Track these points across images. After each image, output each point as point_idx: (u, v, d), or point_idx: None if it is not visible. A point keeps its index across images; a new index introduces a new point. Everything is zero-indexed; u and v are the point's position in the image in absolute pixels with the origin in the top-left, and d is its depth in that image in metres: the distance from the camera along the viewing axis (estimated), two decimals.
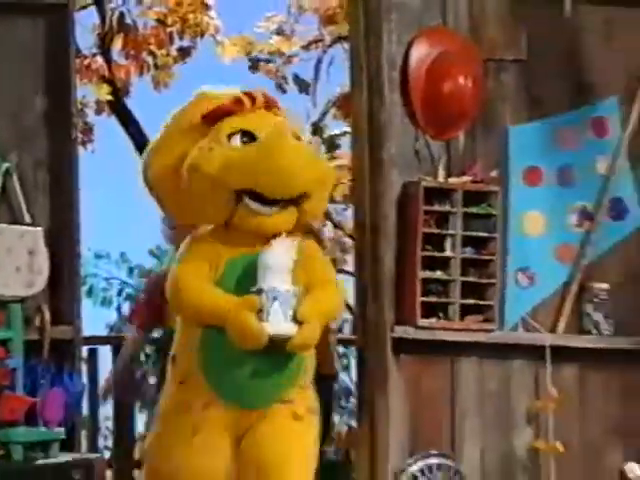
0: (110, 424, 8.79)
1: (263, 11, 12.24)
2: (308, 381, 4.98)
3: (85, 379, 7.35)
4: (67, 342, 6.51)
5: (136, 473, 7.88)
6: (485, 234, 7.10)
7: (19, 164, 6.59)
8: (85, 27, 11.00)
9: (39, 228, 6.53)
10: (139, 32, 11.65)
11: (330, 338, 6.59)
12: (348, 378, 11.06)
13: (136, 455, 8.06)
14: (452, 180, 7.06)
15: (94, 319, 11.85)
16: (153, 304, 6.70)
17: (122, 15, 11.56)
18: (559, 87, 7.32)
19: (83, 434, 7.13)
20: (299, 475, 4.91)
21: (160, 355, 7.88)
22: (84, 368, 7.49)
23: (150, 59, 11.66)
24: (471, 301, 7.03)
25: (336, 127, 11.76)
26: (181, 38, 11.74)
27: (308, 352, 4.90)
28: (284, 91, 12.19)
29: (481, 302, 7.06)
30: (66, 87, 6.72)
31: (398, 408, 6.86)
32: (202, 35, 11.73)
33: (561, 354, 7.11)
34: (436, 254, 6.97)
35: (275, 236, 4.93)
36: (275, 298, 4.68)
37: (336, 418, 9.70)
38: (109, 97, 11.47)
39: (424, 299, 6.88)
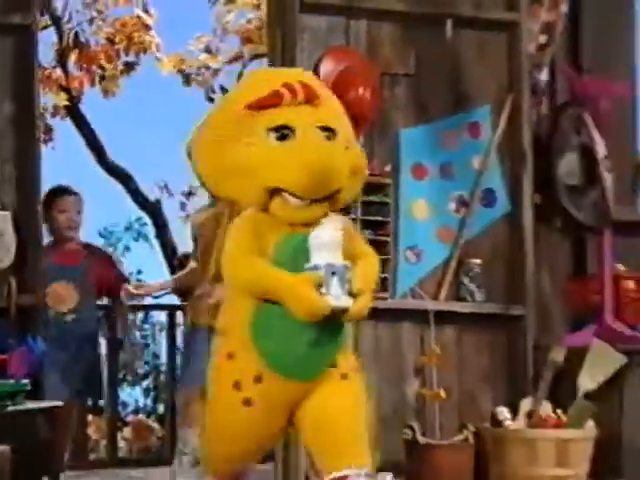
0: None
1: (193, 32, 12.23)
2: (349, 345, 4.58)
3: None
4: (31, 308, 6.46)
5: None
6: (381, 219, 7.13)
7: None
8: (46, 44, 11.03)
9: (7, 212, 6.57)
10: (91, 49, 11.66)
11: None
12: None
13: None
14: None
15: None
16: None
17: (77, 34, 11.58)
18: (442, 97, 7.34)
19: None
20: (357, 424, 4.44)
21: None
22: None
23: (100, 71, 11.63)
24: None
25: None
26: (127, 54, 11.74)
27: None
28: (212, 100, 12.20)
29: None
30: (30, 95, 6.67)
31: None
32: (144, 52, 11.72)
33: (442, 318, 7.15)
34: None
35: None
36: (333, 273, 4.26)
37: None
38: (66, 103, 11.46)
39: None
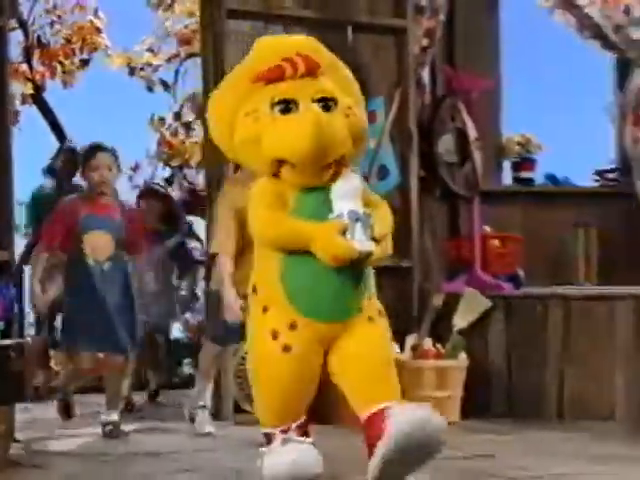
0: None
1: (139, 35, 12.16)
2: (373, 290, 4.26)
3: None
4: (4, 262, 6.34)
5: None
6: None
7: None
8: (14, 43, 10.87)
9: None
10: (51, 47, 11.55)
11: None
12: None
13: None
14: None
15: None
16: (59, 227, 5.87)
17: (39, 36, 11.46)
18: None
19: None
20: (386, 362, 4.21)
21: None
22: None
23: (59, 66, 11.52)
24: None
25: (191, 115, 11.68)
26: (81, 52, 11.65)
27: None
28: (151, 89, 12.11)
29: None
30: (2, 86, 6.53)
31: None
32: (96, 50, 11.65)
33: None
34: None
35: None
36: (357, 219, 4.01)
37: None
38: (31, 92, 11.34)
39: None
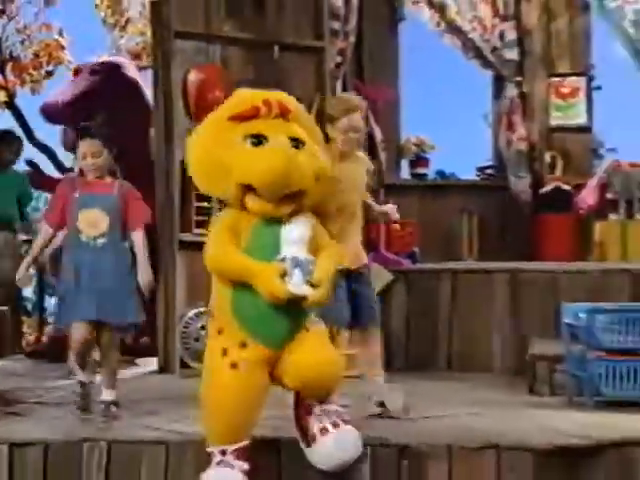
0: None
1: (96, 50, 11.98)
2: (313, 315, 4.06)
3: None
4: None
5: None
6: None
7: None
8: None
9: None
10: (22, 61, 11.38)
11: None
12: None
13: None
14: None
15: None
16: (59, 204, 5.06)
17: (12, 51, 11.26)
18: None
19: None
20: (325, 361, 4.02)
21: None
22: None
23: (29, 77, 11.34)
24: None
25: None
26: (48, 65, 11.49)
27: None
28: None
29: None
30: None
31: (180, 278, 6.71)
32: (60, 63, 11.51)
33: None
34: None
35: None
36: (296, 265, 3.80)
37: None
38: (5, 99, 11.15)
39: (197, 218, 6.69)
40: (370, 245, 7.42)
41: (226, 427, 3.93)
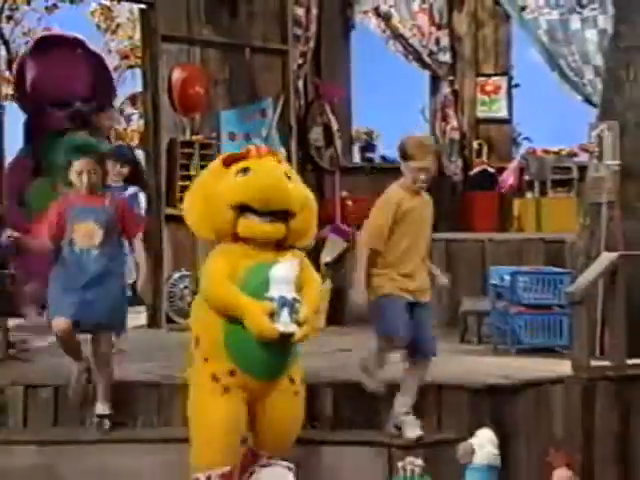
0: None
1: None
2: (298, 355, 3.79)
3: None
4: None
5: None
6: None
7: None
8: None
9: None
10: None
11: None
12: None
13: None
14: (194, 137, 6.85)
15: None
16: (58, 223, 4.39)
17: (17, 51, 10.95)
18: (244, 94, 7.17)
19: None
20: (290, 427, 3.76)
21: None
22: None
23: None
24: None
25: (130, 109, 11.38)
26: None
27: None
28: None
29: None
30: None
31: (166, 246, 6.65)
32: None
33: None
34: (185, 173, 6.71)
35: (279, 246, 3.65)
36: (284, 305, 3.50)
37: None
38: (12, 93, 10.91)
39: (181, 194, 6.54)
40: (328, 218, 7.44)
41: (216, 449, 3.61)
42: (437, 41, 8.42)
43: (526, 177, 7.89)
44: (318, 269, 6.74)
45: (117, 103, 11.31)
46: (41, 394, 4.50)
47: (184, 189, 6.54)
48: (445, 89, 8.42)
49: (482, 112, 8.42)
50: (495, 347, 5.55)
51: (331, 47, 8.17)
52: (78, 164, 4.39)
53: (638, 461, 4.67)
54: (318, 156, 7.67)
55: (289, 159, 7.28)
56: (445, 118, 8.41)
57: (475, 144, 8.35)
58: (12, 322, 5.56)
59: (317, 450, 4.19)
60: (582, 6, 7.77)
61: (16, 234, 4.48)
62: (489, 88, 8.42)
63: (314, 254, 6.87)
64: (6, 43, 10.83)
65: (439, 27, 8.42)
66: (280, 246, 3.71)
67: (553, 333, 5.39)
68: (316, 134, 7.65)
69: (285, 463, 3.77)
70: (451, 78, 8.43)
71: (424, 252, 4.35)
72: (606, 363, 4.82)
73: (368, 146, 8.54)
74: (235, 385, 3.62)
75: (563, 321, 5.35)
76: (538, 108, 8.87)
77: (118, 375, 4.47)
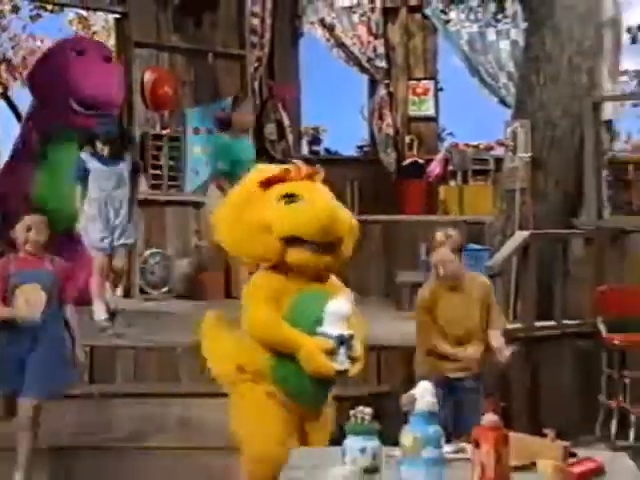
0: None
1: None
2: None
3: None
4: None
5: None
6: (176, 154, 6.78)
7: None
8: None
9: None
10: (14, 62, 10.86)
11: None
12: None
13: None
14: (164, 131, 6.74)
15: None
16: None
17: (4, 54, 10.82)
18: (207, 93, 7.10)
19: None
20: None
21: None
22: None
23: (19, 75, 10.71)
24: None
25: None
26: None
27: None
28: None
29: None
30: None
31: (140, 227, 6.32)
32: None
33: None
34: (156, 162, 6.61)
35: (323, 273, 3.07)
36: (342, 343, 2.97)
37: None
38: (1, 91, 10.68)
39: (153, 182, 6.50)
40: None
41: (270, 460, 2.98)
42: (374, 49, 8.39)
43: (450, 167, 7.92)
44: None
45: None
46: None
47: (156, 177, 6.63)
48: (381, 91, 8.40)
49: (413, 111, 8.42)
50: None
51: (283, 53, 8.06)
52: (27, 219, 3.67)
53: (544, 408, 4.74)
54: (272, 148, 7.58)
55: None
56: (381, 116, 8.39)
57: (407, 139, 8.34)
58: None
59: None
60: (497, 20, 7.85)
61: None
62: (419, 90, 8.42)
63: None
64: None
65: (376, 37, 8.39)
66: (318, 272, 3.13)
67: None
68: (270, 129, 7.57)
69: None
70: (387, 81, 8.41)
71: (472, 335, 3.87)
72: (518, 325, 4.87)
73: (315, 140, 8.49)
74: (273, 407, 3.10)
75: None
76: (460, 108, 8.90)
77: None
